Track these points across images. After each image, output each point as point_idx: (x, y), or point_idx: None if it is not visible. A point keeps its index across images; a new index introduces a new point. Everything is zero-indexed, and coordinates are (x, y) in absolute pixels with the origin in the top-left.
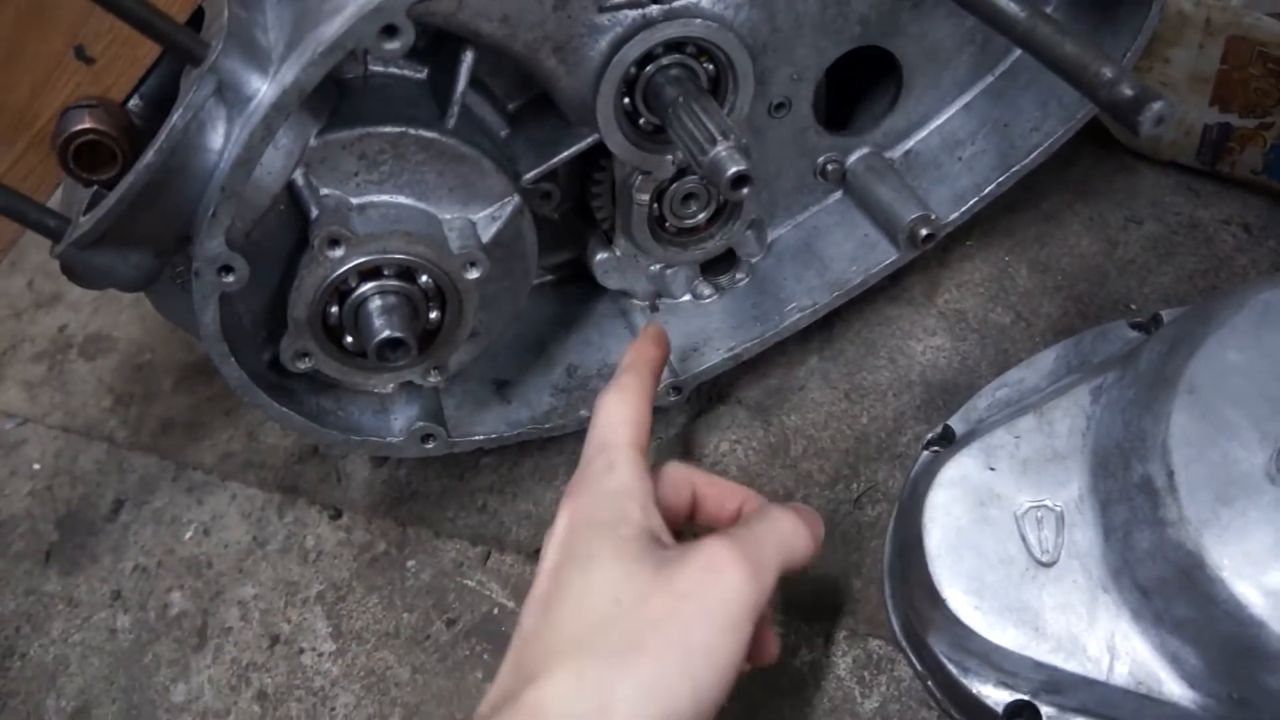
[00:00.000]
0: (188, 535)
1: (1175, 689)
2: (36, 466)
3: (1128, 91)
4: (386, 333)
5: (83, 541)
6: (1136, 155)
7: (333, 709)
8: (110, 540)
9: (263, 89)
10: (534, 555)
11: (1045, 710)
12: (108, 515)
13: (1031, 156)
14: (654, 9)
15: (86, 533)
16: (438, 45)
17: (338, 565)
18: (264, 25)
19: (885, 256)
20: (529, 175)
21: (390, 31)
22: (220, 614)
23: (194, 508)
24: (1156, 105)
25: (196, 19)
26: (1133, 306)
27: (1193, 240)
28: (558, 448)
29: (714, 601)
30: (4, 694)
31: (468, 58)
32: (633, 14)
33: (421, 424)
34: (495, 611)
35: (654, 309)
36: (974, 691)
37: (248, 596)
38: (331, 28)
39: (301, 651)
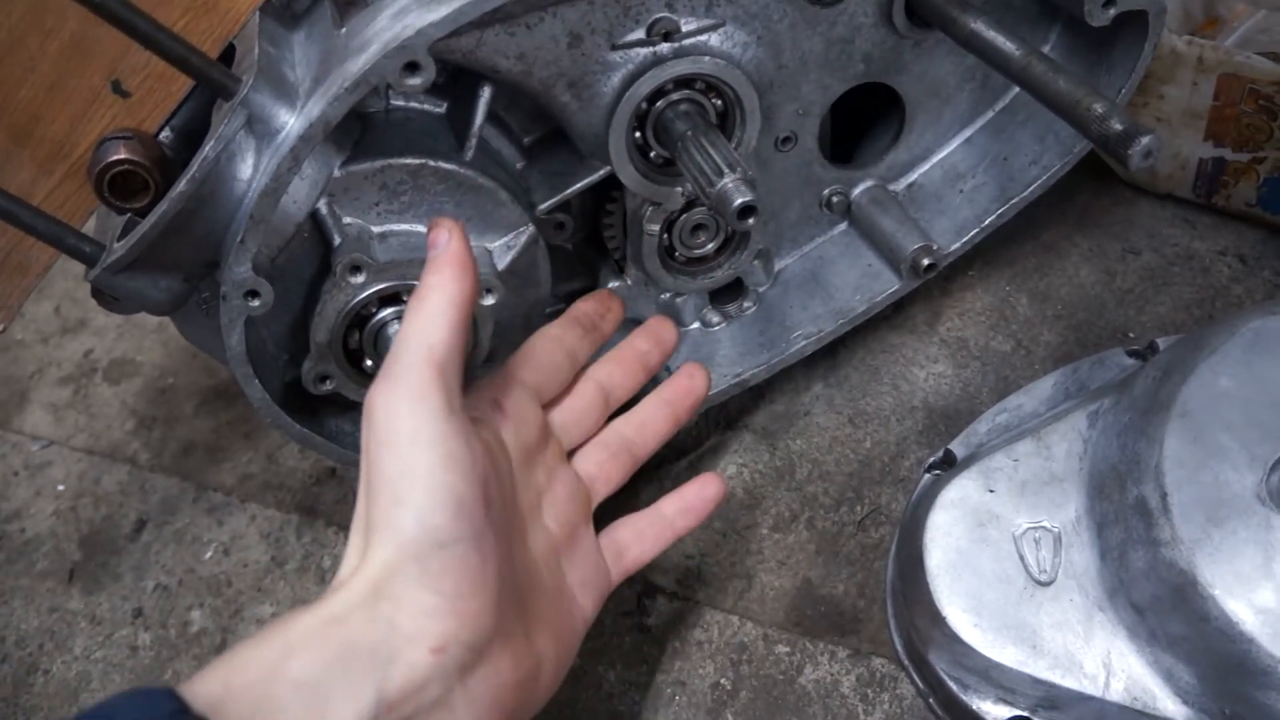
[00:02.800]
0: (208, 555)
1: (1170, 705)
2: (61, 487)
3: (1118, 126)
4: None
5: (105, 560)
6: (1135, 188)
7: None
8: (132, 559)
9: (290, 122)
10: None
11: None
12: (130, 535)
13: (1030, 189)
14: (664, 47)
15: (109, 552)
16: (456, 81)
17: None
18: (291, 62)
19: (888, 286)
20: (543, 206)
21: (413, 68)
22: (239, 632)
23: (214, 528)
24: (1145, 139)
25: (227, 56)
26: (1130, 335)
27: (1189, 271)
28: None
29: None
30: (27, 710)
31: (485, 93)
32: (644, 52)
33: None
34: None
35: None
36: (974, 708)
37: (266, 615)
38: (357, 64)
39: None
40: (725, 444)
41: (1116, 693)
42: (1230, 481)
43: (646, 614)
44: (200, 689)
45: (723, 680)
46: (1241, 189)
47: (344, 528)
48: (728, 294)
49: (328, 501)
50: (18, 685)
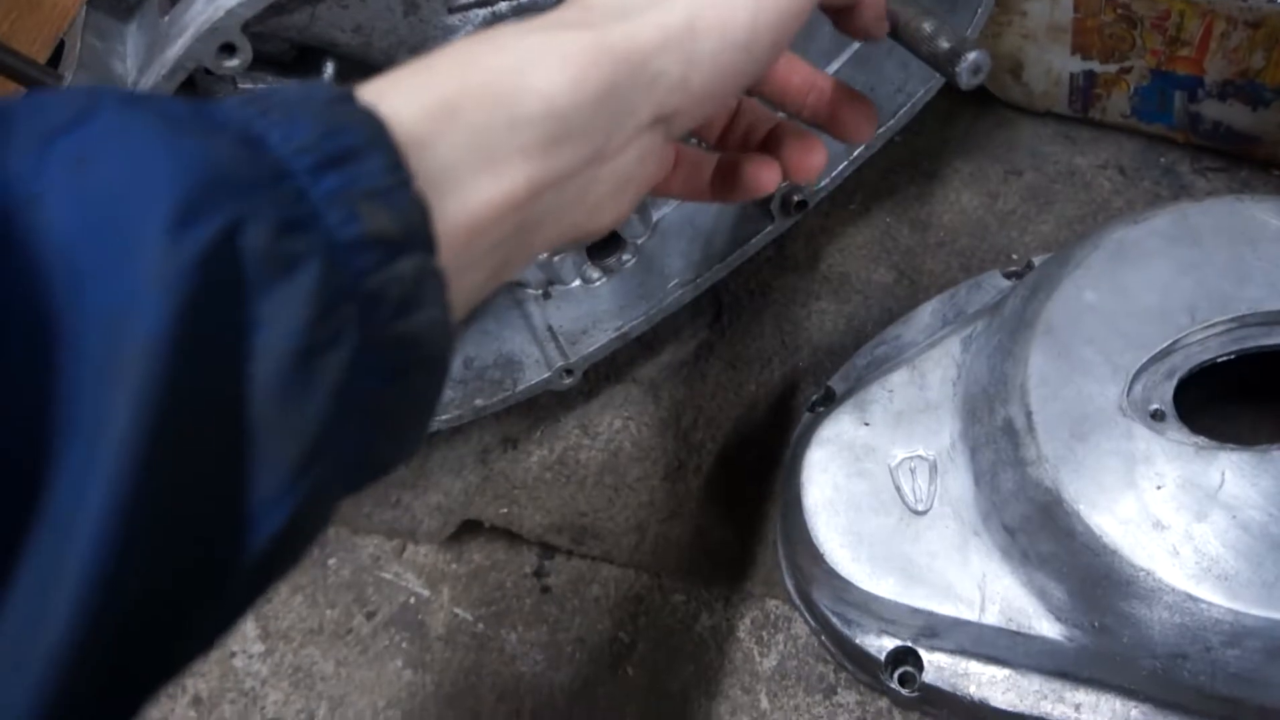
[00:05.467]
0: None
1: (1044, 625)
2: None
3: (944, 44)
4: None
5: None
6: (1015, 109)
7: (263, 708)
8: None
9: None
10: (445, 544)
11: (925, 655)
12: None
13: (896, 117)
14: (503, 5)
15: None
16: (302, 58)
17: None
18: (122, 54)
19: (763, 226)
20: None
21: (229, 50)
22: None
23: None
24: (971, 55)
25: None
26: (1014, 256)
27: (1071, 187)
28: (464, 438)
29: None
30: None
31: (329, 68)
32: (482, 12)
33: None
34: (412, 601)
35: (547, 296)
36: (858, 642)
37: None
38: (173, 50)
39: (233, 655)
40: (612, 399)
41: (993, 615)
42: (1093, 395)
43: (546, 574)
44: (403, 114)
45: (621, 634)
46: (1115, 100)
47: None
48: (606, 248)
49: None
50: None
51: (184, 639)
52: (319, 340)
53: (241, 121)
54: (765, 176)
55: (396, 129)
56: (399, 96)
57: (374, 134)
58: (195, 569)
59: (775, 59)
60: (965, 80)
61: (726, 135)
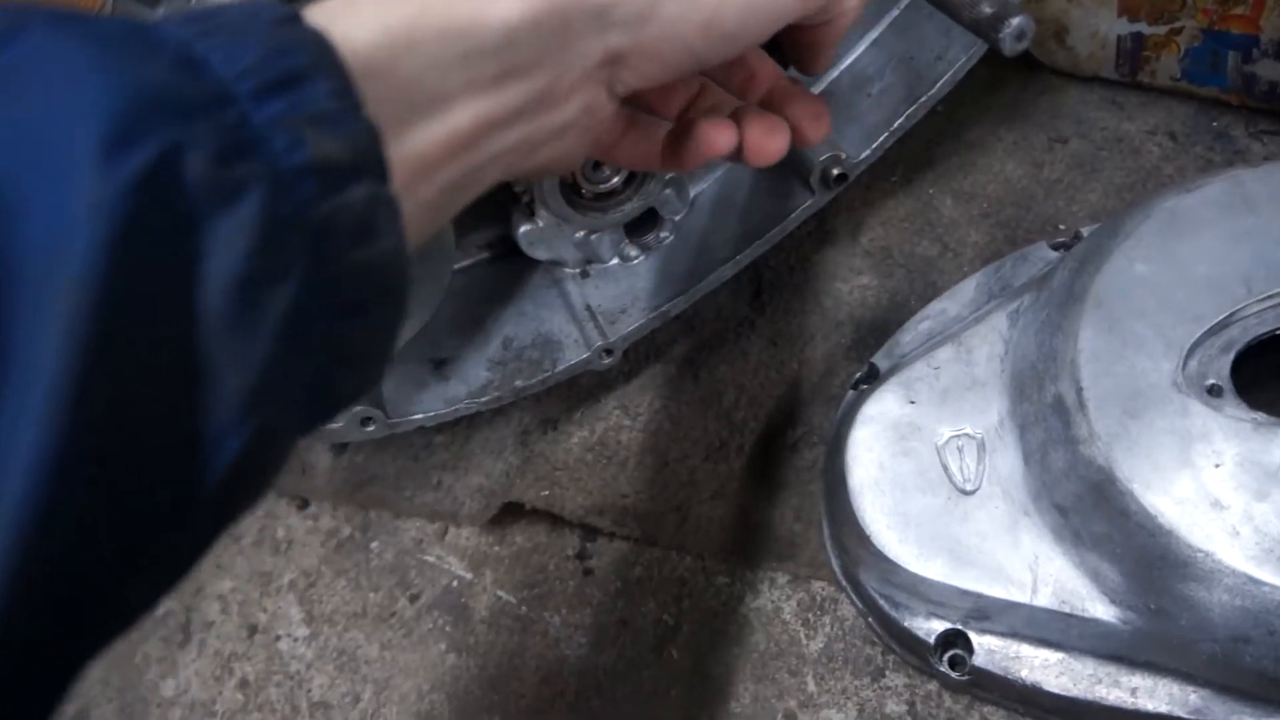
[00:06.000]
0: None
1: (1097, 606)
2: None
3: (987, 10)
4: None
5: None
6: (1060, 74)
7: (309, 690)
8: None
9: None
10: (487, 527)
11: (975, 638)
12: None
13: (937, 86)
14: None
15: None
16: None
17: (307, 553)
18: None
19: (803, 200)
20: None
21: None
22: (202, 609)
23: None
24: (1015, 21)
25: None
26: (1061, 227)
27: (1119, 154)
28: (505, 420)
29: None
30: None
31: None
32: None
33: (360, 408)
34: (454, 584)
35: (585, 275)
36: (905, 625)
37: (226, 590)
38: None
39: (278, 638)
40: (652, 378)
41: (1045, 597)
42: (1146, 371)
43: (589, 556)
44: (355, 39)
45: (665, 616)
46: (1164, 63)
47: (294, 497)
48: (644, 226)
49: None
50: None
51: (142, 575)
52: (265, 270)
53: (182, 42)
54: (719, 137)
55: (348, 54)
56: (354, 18)
57: (321, 57)
58: (146, 502)
59: (730, 54)
60: (1009, 46)
61: (685, 113)
